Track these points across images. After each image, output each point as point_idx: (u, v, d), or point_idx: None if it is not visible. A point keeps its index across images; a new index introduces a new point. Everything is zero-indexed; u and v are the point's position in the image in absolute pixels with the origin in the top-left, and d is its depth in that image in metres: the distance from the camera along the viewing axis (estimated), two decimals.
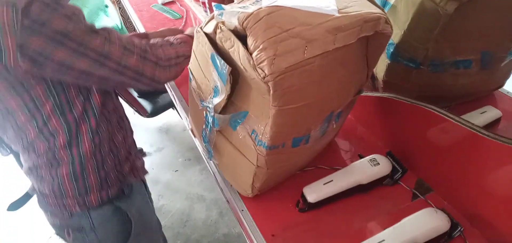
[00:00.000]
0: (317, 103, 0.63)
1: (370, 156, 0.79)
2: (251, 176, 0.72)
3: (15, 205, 0.89)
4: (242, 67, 0.58)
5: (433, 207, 0.71)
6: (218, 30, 0.60)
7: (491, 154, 0.65)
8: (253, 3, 0.59)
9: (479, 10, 0.65)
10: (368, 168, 0.77)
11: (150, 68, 0.77)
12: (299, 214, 0.76)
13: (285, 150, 0.67)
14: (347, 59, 0.62)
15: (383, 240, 0.65)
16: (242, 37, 0.57)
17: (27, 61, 0.62)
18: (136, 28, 1.69)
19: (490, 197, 0.66)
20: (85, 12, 1.86)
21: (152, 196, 1.11)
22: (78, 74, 0.68)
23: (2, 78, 0.66)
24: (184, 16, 1.59)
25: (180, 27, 1.23)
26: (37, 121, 0.72)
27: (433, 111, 0.71)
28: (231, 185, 0.82)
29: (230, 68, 0.60)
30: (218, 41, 0.61)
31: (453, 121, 0.68)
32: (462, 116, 0.70)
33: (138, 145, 0.99)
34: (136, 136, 0.98)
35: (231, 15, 0.58)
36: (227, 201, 0.85)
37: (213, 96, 0.68)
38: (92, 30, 0.68)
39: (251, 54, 0.55)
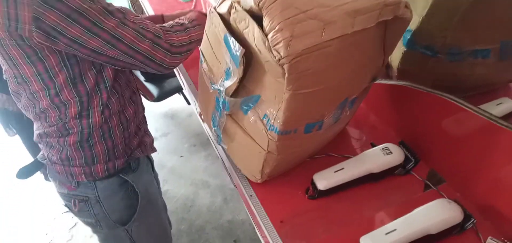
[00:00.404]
0: (332, 88, 0.62)
1: (383, 145, 0.78)
2: (261, 161, 0.71)
3: (24, 172, 0.88)
4: (256, 48, 0.56)
5: (445, 198, 0.70)
6: (233, 10, 0.59)
7: (508, 145, 0.63)
8: None
9: (497, 1, 0.63)
10: (380, 157, 0.76)
11: (162, 54, 0.77)
12: (309, 201, 0.75)
13: (297, 136, 0.66)
14: (364, 44, 0.60)
15: (395, 230, 0.63)
16: (257, 18, 0.56)
17: (41, 34, 0.64)
18: (145, 11, 1.67)
19: (504, 190, 0.65)
20: None
21: None
22: (89, 53, 0.69)
23: (18, 46, 0.67)
24: None
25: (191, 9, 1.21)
26: (50, 90, 0.73)
27: (449, 100, 0.69)
28: (239, 171, 0.81)
29: (244, 50, 0.59)
30: (232, 21, 0.60)
31: (471, 110, 0.66)
32: (478, 106, 0.69)
33: None
34: None
35: None
36: (235, 186, 0.84)
37: (225, 79, 0.67)
38: (107, 11, 0.68)
39: (266, 35, 0.54)
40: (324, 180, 0.74)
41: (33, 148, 1.56)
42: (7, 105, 1.39)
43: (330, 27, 0.54)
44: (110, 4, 0.69)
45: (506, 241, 0.62)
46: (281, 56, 0.53)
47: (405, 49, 0.79)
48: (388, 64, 0.86)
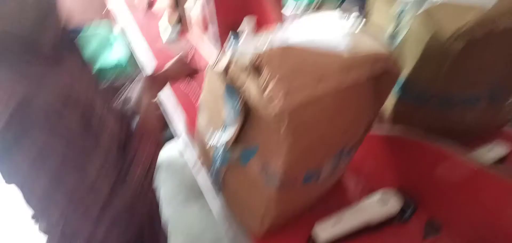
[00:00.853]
0: (328, 140, 0.63)
1: (380, 193, 0.78)
2: (261, 213, 0.70)
3: None
4: (254, 103, 0.58)
5: None
6: (231, 67, 0.61)
7: (502, 193, 0.64)
8: (265, 41, 0.61)
9: (486, 47, 0.66)
10: (378, 206, 0.76)
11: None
12: None
13: (296, 187, 0.67)
14: (358, 97, 0.62)
15: None
16: (254, 75, 0.58)
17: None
18: (142, 64, 1.71)
19: (500, 236, 0.65)
20: (94, 44, 1.90)
21: None
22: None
23: None
24: (192, 52, 1.62)
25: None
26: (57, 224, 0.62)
27: (441, 148, 0.71)
28: (237, 223, 0.80)
29: (243, 103, 0.60)
30: (231, 76, 0.62)
31: (462, 159, 0.67)
32: (471, 153, 0.70)
33: None
34: None
35: (243, 53, 0.59)
36: (232, 239, 0.83)
37: (223, 131, 0.68)
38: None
39: (263, 91, 0.56)
40: (323, 233, 0.73)
41: None
42: None
43: (324, 82, 0.56)
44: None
45: None
46: (277, 111, 0.54)
47: (397, 98, 0.81)
48: (382, 113, 0.88)
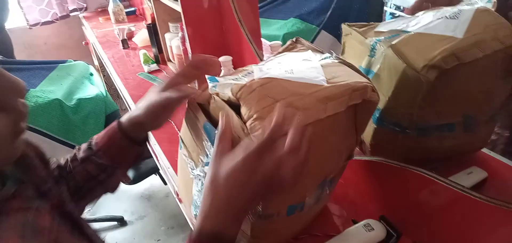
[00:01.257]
0: (310, 170, 0.63)
1: (364, 221, 0.78)
2: None
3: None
4: (236, 135, 0.58)
5: None
6: (212, 101, 0.61)
7: (482, 216, 0.65)
8: (245, 75, 0.61)
9: (459, 77, 0.69)
10: (362, 234, 0.76)
11: None
12: None
13: (280, 219, 0.66)
14: (337, 126, 0.63)
15: None
16: (235, 107, 0.58)
17: None
18: (121, 95, 1.69)
19: None
20: (70, 80, 1.89)
21: None
22: None
23: None
24: None
25: None
26: None
27: (422, 173, 0.72)
28: None
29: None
30: (211, 111, 0.62)
31: (443, 183, 0.69)
32: (450, 177, 0.72)
33: (119, 213, 0.91)
34: (117, 203, 0.93)
35: (224, 86, 0.59)
36: None
37: (205, 165, 0.68)
38: None
39: (245, 123, 0.56)
40: None
41: None
42: None
43: (304, 113, 0.56)
44: None
45: None
46: None
47: (376, 126, 0.83)
48: (362, 141, 0.90)
